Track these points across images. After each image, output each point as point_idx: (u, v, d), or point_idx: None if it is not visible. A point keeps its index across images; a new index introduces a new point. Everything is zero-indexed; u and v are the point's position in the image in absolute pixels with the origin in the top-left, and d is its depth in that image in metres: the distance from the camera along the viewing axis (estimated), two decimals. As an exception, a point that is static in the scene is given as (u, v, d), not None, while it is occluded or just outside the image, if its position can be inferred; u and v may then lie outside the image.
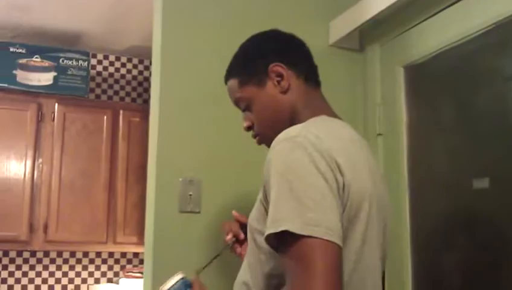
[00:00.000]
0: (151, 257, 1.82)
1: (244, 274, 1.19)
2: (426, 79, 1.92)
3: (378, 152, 2.01)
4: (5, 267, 3.46)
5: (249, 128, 1.30)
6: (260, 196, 1.11)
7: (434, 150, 1.85)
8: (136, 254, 3.75)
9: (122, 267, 3.71)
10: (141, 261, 3.65)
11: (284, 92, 1.22)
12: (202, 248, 1.82)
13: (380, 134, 2.02)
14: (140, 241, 3.21)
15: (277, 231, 0.96)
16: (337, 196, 0.99)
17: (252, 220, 1.15)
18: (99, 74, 3.89)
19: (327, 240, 0.93)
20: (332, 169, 1.00)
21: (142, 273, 2.81)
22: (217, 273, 1.61)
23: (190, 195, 1.86)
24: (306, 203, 0.95)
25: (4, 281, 3.44)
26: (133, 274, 3.40)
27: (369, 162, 1.15)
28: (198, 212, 1.86)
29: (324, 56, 2.09)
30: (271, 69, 1.23)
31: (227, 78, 1.32)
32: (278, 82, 1.23)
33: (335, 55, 2.13)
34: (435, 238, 1.82)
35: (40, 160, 3.31)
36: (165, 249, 1.82)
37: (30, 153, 3.28)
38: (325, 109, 1.24)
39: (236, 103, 1.31)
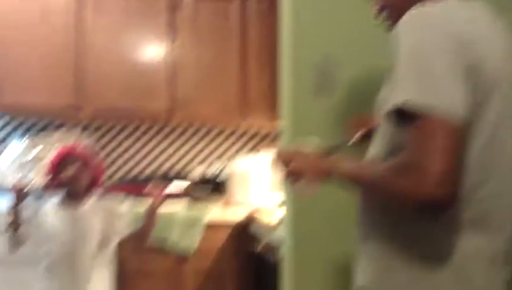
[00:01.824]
0: (287, 136, 1.89)
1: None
2: None
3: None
4: (149, 140, 3.78)
5: (379, 12, 1.28)
6: (389, 73, 1.12)
7: None
8: (267, 134, 3.89)
9: (256, 145, 3.89)
10: (272, 140, 3.79)
11: None
12: (339, 128, 1.85)
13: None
14: (273, 121, 3.32)
15: (397, 106, 1.00)
16: (463, 76, 0.99)
17: (382, 98, 1.18)
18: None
19: (445, 118, 0.95)
20: (461, 50, 1.00)
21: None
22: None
23: (326, 77, 1.86)
24: (428, 81, 0.97)
25: (148, 153, 3.78)
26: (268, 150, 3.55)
27: (509, 44, 1.13)
28: (334, 94, 1.87)
29: None
30: None
31: None
32: None
33: None
34: None
35: (176, 43, 3.45)
36: (301, 130, 1.87)
37: (166, 37, 3.43)
38: None
39: None
